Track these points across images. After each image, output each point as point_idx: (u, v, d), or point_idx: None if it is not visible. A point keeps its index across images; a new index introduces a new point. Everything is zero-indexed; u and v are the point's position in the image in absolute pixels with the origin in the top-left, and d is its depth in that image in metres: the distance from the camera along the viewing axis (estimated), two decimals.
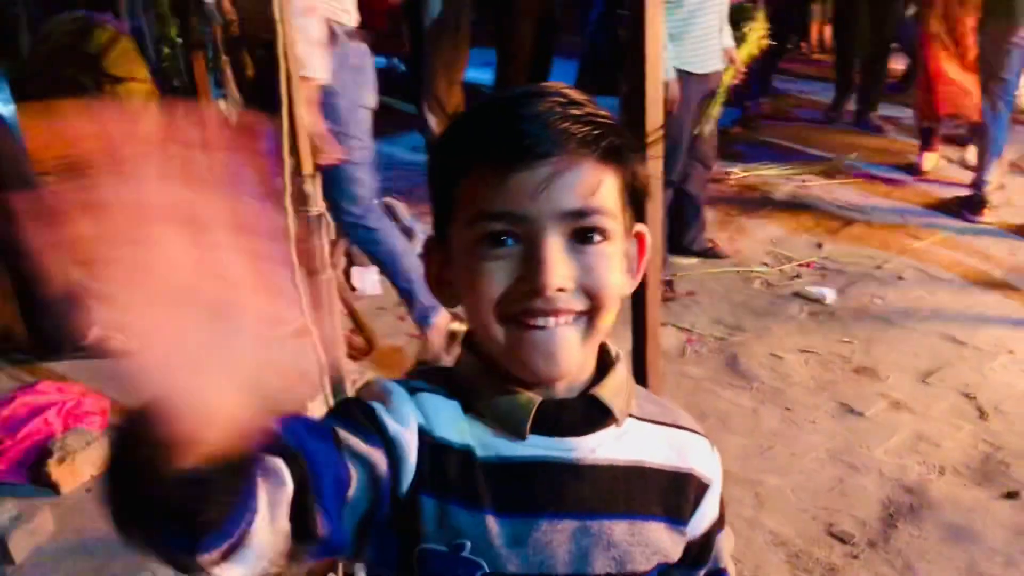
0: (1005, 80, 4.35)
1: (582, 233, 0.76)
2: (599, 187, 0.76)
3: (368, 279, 3.78)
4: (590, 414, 0.83)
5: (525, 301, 0.76)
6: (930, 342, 3.41)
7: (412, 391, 0.81)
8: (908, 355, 3.32)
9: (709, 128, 3.96)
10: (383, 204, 4.13)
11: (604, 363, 0.86)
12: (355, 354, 3.16)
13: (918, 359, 3.29)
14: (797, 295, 3.82)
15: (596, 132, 0.75)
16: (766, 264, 4.14)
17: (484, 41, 5.59)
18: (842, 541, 2.39)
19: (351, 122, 2.97)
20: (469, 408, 0.81)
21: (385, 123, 6.19)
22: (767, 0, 4.58)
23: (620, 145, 0.78)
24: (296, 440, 0.66)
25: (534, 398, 0.80)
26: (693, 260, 4.15)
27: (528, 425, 0.80)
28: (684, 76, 3.59)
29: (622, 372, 0.86)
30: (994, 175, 4.53)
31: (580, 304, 0.77)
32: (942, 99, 4.96)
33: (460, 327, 3.11)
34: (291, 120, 1.96)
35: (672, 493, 0.87)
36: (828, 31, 7.91)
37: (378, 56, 7.43)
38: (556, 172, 0.74)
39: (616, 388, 0.84)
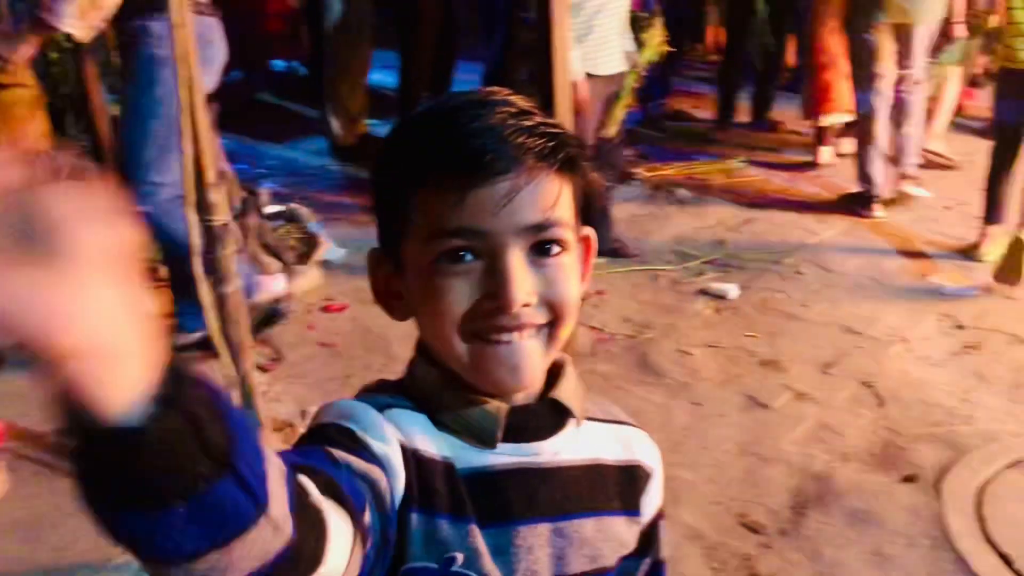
0: (874, 74, 4.51)
1: (541, 246, 0.77)
2: (558, 200, 0.77)
3: (276, 289, 3.69)
4: (553, 417, 0.85)
5: (490, 318, 0.76)
6: (830, 333, 3.53)
7: (380, 407, 0.79)
8: (809, 347, 3.43)
9: (614, 130, 4.02)
10: (287, 209, 4.04)
11: (553, 366, 0.87)
12: (263, 366, 3.08)
13: (819, 350, 3.40)
14: (702, 292, 3.90)
15: (552, 144, 0.76)
16: (671, 262, 4.22)
17: (386, 43, 5.54)
18: (755, 531, 2.45)
19: (172, 100, 2.51)
20: (434, 420, 0.81)
21: (287, 127, 6.12)
22: (662, 4, 4.67)
23: (574, 155, 0.79)
24: (307, 462, 0.63)
25: (502, 407, 0.81)
26: (600, 260, 4.17)
27: (499, 434, 0.80)
28: (588, 78, 3.63)
29: (574, 374, 0.88)
30: (879, 169, 4.68)
31: (542, 317, 0.78)
32: (829, 95, 5.12)
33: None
34: (194, 128, 1.90)
35: (626, 486, 0.90)
36: (723, 33, 8.08)
37: (277, 59, 7.33)
38: (516, 188, 0.74)
39: (571, 390, 0.86)
